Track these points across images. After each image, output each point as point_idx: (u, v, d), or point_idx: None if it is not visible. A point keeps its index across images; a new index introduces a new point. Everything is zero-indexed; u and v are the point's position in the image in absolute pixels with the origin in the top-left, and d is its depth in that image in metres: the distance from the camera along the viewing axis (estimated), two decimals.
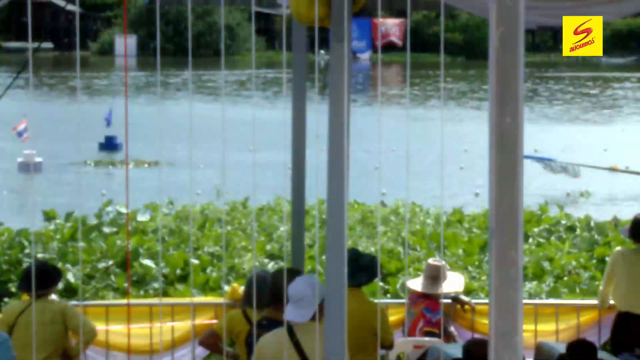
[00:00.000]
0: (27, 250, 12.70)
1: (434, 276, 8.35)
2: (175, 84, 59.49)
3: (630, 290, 8.59)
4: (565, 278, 11.32)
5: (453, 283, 8.61)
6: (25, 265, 11.69)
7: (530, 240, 13.67)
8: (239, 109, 44.66)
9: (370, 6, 7.88)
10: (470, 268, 11.95)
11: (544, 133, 33.82)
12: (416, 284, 8.51)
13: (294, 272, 6.91)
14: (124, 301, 8.96)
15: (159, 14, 5.32)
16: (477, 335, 8.39)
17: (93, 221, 14.75)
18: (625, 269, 8.63)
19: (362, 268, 7.39)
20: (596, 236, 13.36)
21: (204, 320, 8.49)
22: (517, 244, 3.09)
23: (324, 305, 5.53)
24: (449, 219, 15.66)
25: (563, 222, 14.73)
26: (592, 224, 14.22)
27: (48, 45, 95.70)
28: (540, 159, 25.30)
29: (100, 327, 8.15)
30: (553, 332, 8.78)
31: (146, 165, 29.26)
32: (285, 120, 7.41)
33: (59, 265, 11.91)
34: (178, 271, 11.94)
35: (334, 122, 4.89)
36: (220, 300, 8.66)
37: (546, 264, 11.89)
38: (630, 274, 8.60)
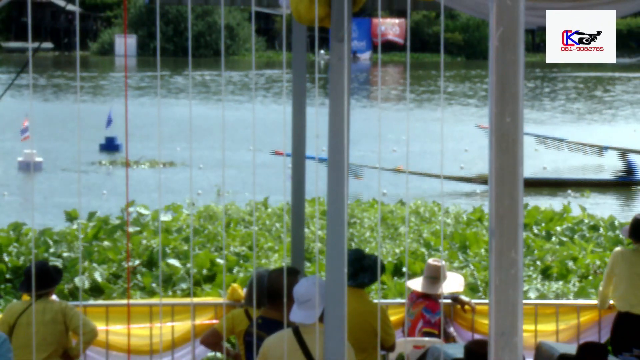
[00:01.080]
0: (51, 249, 12.75)
1: (434, 276, 8.35)
2: (185, 85, 59.49)
3: (630, 290, 8.59)
4: (591, 277, 11.32)
5: (453, 283, 8.61)
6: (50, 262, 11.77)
7: (553, 239, 13.72)
8: (242, 109, 44.68)
9: (370, 6, 7.89)
10: None
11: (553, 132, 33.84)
12: (416, 284, 8.51)
13: (293, 272, 6.91)
14: (124, 301, 8.96)
15: (159, 14, 5.32)
16: (477, 336, 8.39)
17: (115, 221, 14.82)
18: (625, 269, 8.62)
19: (365, 269, 7.39)
20: (620, 235, 13.43)
21: (204, 320, 8.49)
22: (517, 244, 3.09)
23: None
24: (469, 217, 15.72)
25: (586, 221, 14.79)
26: (615, 223, 14.28)
27: (48, 45, 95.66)
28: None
29: (100, 327, 8.15)
30: (553, 332, 8.78)
31: (161, 166, 29.28)
32: (286, 120, 7.41)
33: (86, 264, 11.97)
34: (204, 271, 11.95)
35: (334, 122, 4.89)
36: (220, 300, 8.66)
37: (570, 264, 11.90)
38: (630, 274, 8.60)
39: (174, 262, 11.94)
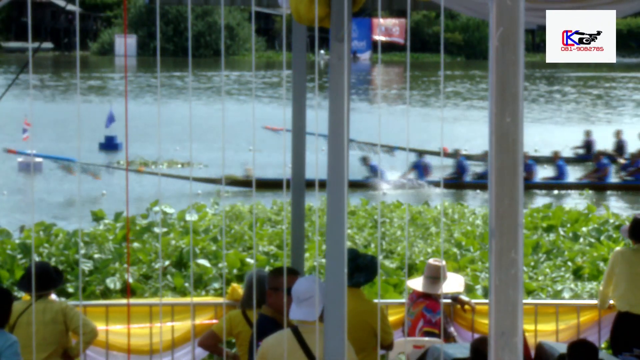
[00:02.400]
0: (82, 251, 12.78)
1: (435, 276, 8.35)
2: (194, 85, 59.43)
3: (630, 290, 8.59)
4: None
5: (453, 283, 8.61)
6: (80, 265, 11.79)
7: (581, 239, 13.77)
8: (243, 108, 44.70)
9: (370, 6, 7.88)
10: (525, 269, 12.01)
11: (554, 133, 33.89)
12: (417, 283, 8.52)
13: (293, 272, 6.91)
14: (124, 301, 8.96)
15: (159, 14, 5.33)
16: (477, 336, 8.38)
17: (140, 222, 14.86)
18: (625, 269, 8.62)
19: (360, 268, 7.39)
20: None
21: (204, 320, 8.49)
22: (517, 244, 3.09)
23: None
24: None
25: (611, 220, 14.86)
26: None
27: (48, 45, 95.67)
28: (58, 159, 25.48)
29: (100, 327, 8.15)
30: (553, 332, 8.78)
31: (179, 166, 29.30)
32: (286, 120, 7.41)
33: (116, 265, 12.00)
34: (235, 271, 11.97)
35: (334, 122, 4.89)
36: (220, 300, 8.66)
37: (602, 264, 11.95)
38: (630, 274, 8.60)
39: (203, 262, 11.98)
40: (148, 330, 8.45)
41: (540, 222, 15.50)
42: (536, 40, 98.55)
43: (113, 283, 11.78)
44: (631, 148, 30.29)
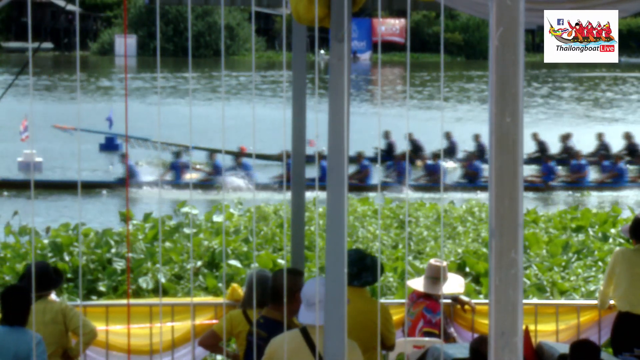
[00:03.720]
0: (113, 250, 12.83)
1: (436, 277, 8.35)
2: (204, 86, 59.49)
3: (630, 290, 8.58)
4: None
5: (454, 284, 8.61)
6: (114, 264, 11.88)
7: (610, 240, 13.81)
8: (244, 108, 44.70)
9: (370, 6, 7.88)
10: (556, 269, 12.01)
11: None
12: (418, 284, 8.52)
13: (297, 273, 6.90)
14: (124, 301, 8.95)
15: (159, 14, 5.32)
16: (477, 336, 8.38)
17: (169, 222, 14.94)
18: (625, 269, 8.61)
19: (367, 268, 7.41)
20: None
21: (204, 320, 8.49)
22: (517, 244, 3.09)
23: None
24: (524, 219, 15.82)
25: None
26: None
27: (48, 45, 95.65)
28: None
29: (100, 327, 8.14)
30: (553, 332, 8.77)
31: (198, 166, 29.32)
32: (286, 120, 7.41)
33: (149, 265, 12.03)
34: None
35: (334, 122, 4.89)
36: (220, 300, 8.66)
37: None
38: (631, 274, 8.59)
39: (235, 262, 11.99)
40: (148, 330, 8.44)
41: (569, 222, 15.55)
42: (536, 40, 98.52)
43: (145, 283, 11.84)
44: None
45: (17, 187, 25.66)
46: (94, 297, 11.55)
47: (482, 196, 23.68)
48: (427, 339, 8.06)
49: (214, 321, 8.35)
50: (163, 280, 11.82)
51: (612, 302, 8.79)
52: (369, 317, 7.24)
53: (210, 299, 9.53)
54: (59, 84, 60.75)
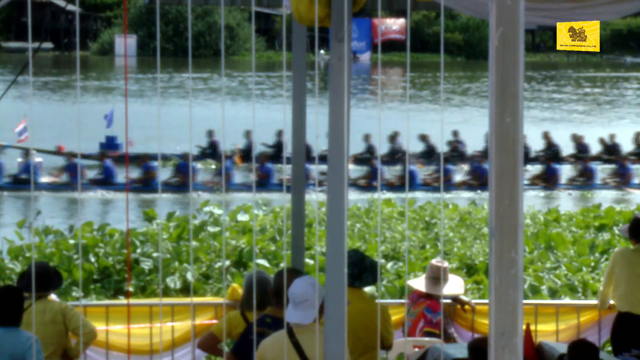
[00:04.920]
0: (139, 250, 12.88)
1: (437, 277, 8.36)
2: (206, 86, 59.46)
3: (629, 290, 8.57)
4: None
5: (454, 285, 8.62)
6: (139, 263, 11.90)
7: None
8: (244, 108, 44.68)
9: (370, 6, 7.88)
10: (584, 269, 11.99)
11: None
12: (419, 283, 8.52)
13: (296, 272, 6.90)
14: (124, 301, 8.95)
15: (159, 14, 5.32)
16: (477, 336, 8.38)
17: (193, 221, 15.00)
18: (625, 269, 8.61)
19: (367, 269, 7.43)
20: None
21: (204, 320, 8.48)
22: (517, 244, 3.09)
23: (324, 306, 5.52)
24: (545, 218, 15.85)
25: None
26: None
27: (48, 45, 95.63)
28: None
29: (100, 327, 8.14)
30: (553, 332, 8.77)
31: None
32: (286, 120, 7.41)
33: (176, 265, 12.05)
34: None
35: (334, 122, 4.89)
36: (220, 300, 8.66)
37: None
38: (630, 274, 8.59)
39: (263, 262, 12.02)
40: (148, 330, 8.44)
41: (592, 221, 15.54)
42: (536, 40, 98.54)
43: (173, 282, 11.87)
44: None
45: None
46: (121, 298, 11.59)
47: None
48: (427, 339, 8.06)
49: (214, 321, 8.35)
50: (191, 279, 11.86)
51: (611, 302, 8.79)
52: (368, 318, 7.25)
53: (210, 299, 9.53)
54: (59, 84, 60.76)
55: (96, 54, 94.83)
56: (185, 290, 11.83)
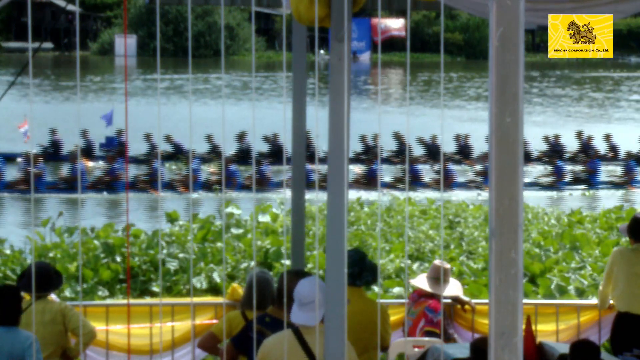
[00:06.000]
0: (165, 251, 12.90)
1: (438, 277, 8.37)
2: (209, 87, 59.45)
3: (628, 290, 8.56)
4: None
5: (454, 287, 8.64)
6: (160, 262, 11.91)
7: None
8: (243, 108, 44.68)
9: (370, 6, 7.88)
10: None
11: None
12: (421, 283, 8.53)
13: (299, 273, 6.90)
14: (124, 301, 8.95)
15: (159, 14, 5.32)
16: (477, 336, 8.38)
17: (214, 222, 15.01)
18: (624, 268, 8.60)
19: (367, 268, 7.43)
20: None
21: (204, 320, 8.48)
22: (517, 244, 3.09)
23: None
24: (569, 219, 15.91)
25: None
26: None
27: (48, 45, 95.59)
28: None
29: (100, 327, 8.14)
30: (553, 332, 8.77)
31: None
32: (286, 120, 7.41)
33: (202, 265, 12.06)
34: (321, 272, 12.02)
35: (334, 122, 4.88)
36: (220, 300, 8.66)
37: None
38: (629, 274, 8.58)
39: (288, 262, 12.04)
40: (148, 330, 8.44)
41: (615, 222, 15.57)
42: (536, 40, 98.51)
43: (199, 282, 11.89)
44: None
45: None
46: (147, 298, 11.61)
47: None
48: (427, 338, 8.06)
49: (214, 321, 8.34)
50: (218, 280, 11.88)
51: (611, 302, 8.79)
52: (368, 317, 7.25)
53: (210, 298, 9.53)
54: (59, 83, 60.74)
55: (96, 54, 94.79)
56: (212, 290, 11.88)
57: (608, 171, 28.80)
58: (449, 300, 8.72)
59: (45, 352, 7.50)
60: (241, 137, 30.39)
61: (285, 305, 6.11)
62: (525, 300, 8.91)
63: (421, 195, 24.03)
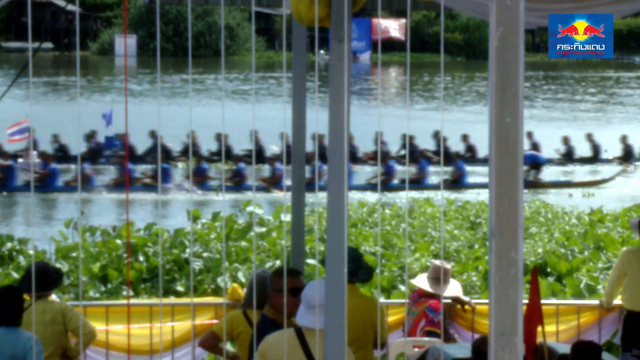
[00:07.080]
0: (188, 250, 12.92)
1: (439, 277, 8.37)
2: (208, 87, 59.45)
3: (638, 289, 8.55)
4: None
5: (454, 288, 8.64)
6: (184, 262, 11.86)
7: None
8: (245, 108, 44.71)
9: (370, 6, 7.88)
10: None
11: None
12: (422, 283, 8.53)
13: (295, 273, 6.90)
14: (124, 301, 8.96)
15: (159, 14, 5.32)
16: (477, 336, 8.38)
17: (236, 221, 15.03)
18: (636, 267, 8.58)
19: (362, 266, 7.45)
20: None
21: (204, 320, 8.48)
22: (517, 244, 3.09)
23: None
24: (590, 218, 15.94)
25: None
26: None
27: (48, 45, 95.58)
28: None
29: (100, 327, 8.14)
30: (553, 332, 8.76)
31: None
32: (286, 120, 7.41)
33: (226, 264, 12.06)
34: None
35: (334, 122, 4.88)
36: (220, 300, 8.66)
37: None
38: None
39: (312, 262, 12.04)
40: (148, 330, 8.44)
41: None
42: (536, 40, 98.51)
43: (223, 282, 11.91)
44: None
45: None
46: (172, 297, 11.61)
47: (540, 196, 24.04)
48: (427, 338, 8.07)
49: (214, 321, 8.35)
50: (243, 279, 11.89)
51: (614, 302, 8.78)
52: (364, 313, 7.26)
53: (210, 298, 9.53)
54: (59, 84, 60.75)
55: (96, 54, 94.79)
56: None
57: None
58: (449, 301, 8.72)
59: (45, 352, 7.51)
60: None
61: (285, 305, 6.09)
62: (525, 301, 8.92)
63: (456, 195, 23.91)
